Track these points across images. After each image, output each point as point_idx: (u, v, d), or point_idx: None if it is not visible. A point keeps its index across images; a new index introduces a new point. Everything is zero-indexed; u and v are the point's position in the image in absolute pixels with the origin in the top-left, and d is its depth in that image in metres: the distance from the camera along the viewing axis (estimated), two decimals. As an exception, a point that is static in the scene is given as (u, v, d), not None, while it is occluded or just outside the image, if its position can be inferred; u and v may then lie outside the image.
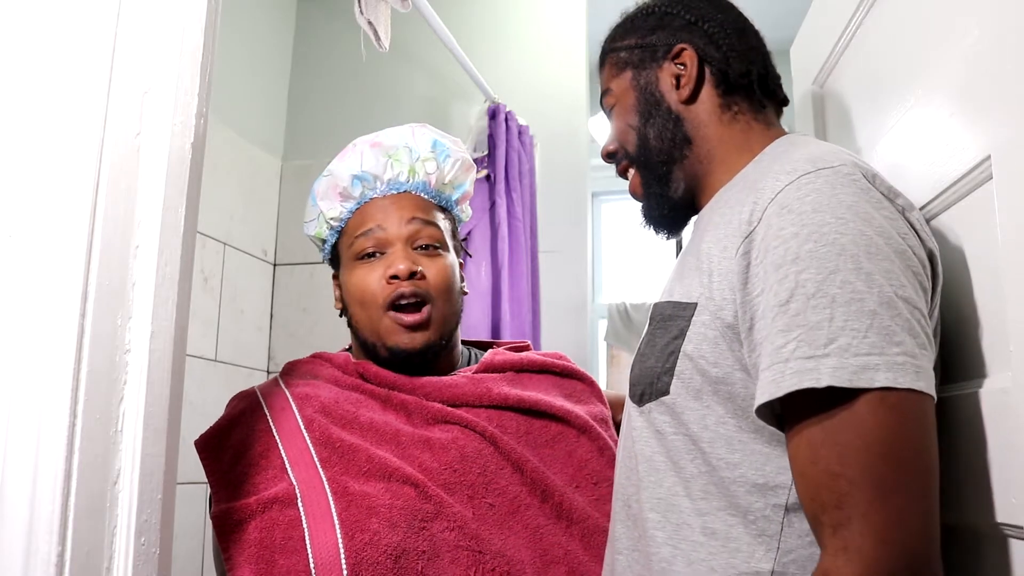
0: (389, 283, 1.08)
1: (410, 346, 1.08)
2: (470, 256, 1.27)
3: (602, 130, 2.97)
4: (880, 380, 0.68)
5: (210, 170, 0.93)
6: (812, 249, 0.72)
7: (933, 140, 0.90)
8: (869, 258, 0.72)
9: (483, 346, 1.28)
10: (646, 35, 1.00)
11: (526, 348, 1.25)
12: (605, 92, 1.04)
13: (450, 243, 1.16)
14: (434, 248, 1.12)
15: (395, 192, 1.14)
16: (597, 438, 1.12)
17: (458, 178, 1.20)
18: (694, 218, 1.01)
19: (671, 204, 0.99)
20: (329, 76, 2.69)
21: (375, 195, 1.14)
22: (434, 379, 1.11)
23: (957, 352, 0.85)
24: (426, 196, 1.16)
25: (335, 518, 0.94)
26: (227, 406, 1.14)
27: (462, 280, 1.19)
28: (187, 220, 0.82)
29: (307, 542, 0.92)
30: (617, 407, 1.22)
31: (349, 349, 1.21)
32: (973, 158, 0.80)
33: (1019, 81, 0.71)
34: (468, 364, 1.20)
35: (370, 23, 1.76)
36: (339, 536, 0.92)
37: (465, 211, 1.26)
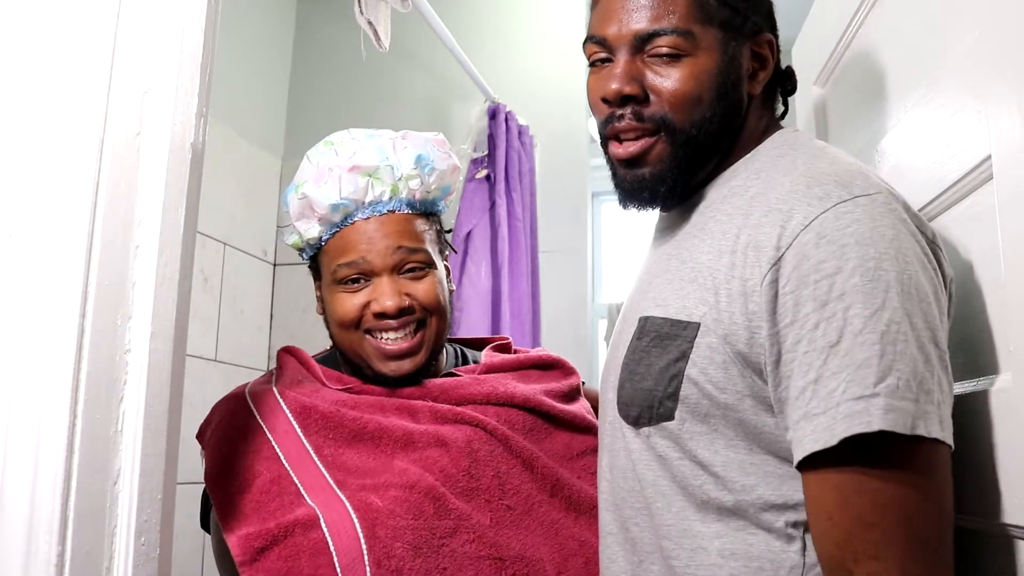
0: (376, 319, 1.05)
1: (398, 372, 1.07)
2: (455, 252, 1.24)
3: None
4: (919, 429, 0.67)
5: (210, 170, 0.93)
6: (858, 284, 0.70)
7: (934, 140, 0.90)
8: (910, 298, 0.71)
9: (467, 343, 1.28)
10: (739, 2, 0.86)
11: (508, 345, 1.25)
12: (674, 31, 0.83)
13: (436, 255, 1.11)
14: (421, 269, 1.08)
15: (378, 214, 1.08)
16: (592, 433, 1.12)
17: (444, 182, 1.14)
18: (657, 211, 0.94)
19: (683, 189, 0.89)
20: (329, 76, 2.69)
21: (356, 218, 1.08)
22: (438, 381, 1.10)
23: (959, 352, 0.85)
24: (410, 211, 1.10)
25: (363, 545, 0.92)
26: (219, 413, 1.09)
27: (448, 279, 1.16)
28: (187, 220, 0.82)
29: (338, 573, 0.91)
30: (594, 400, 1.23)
31: (330, 351, 1.19)
32: (974, 158, 0.80)
33: (1020, 81, 0.71)
34: (456, 363, 1.20)
35: (370, 23, 1.76)
36: (367, 567, 0.91)
37: (452, 202, 1.19)
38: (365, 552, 0.92)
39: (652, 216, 0.97)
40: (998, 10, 0.75)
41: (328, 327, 1.13)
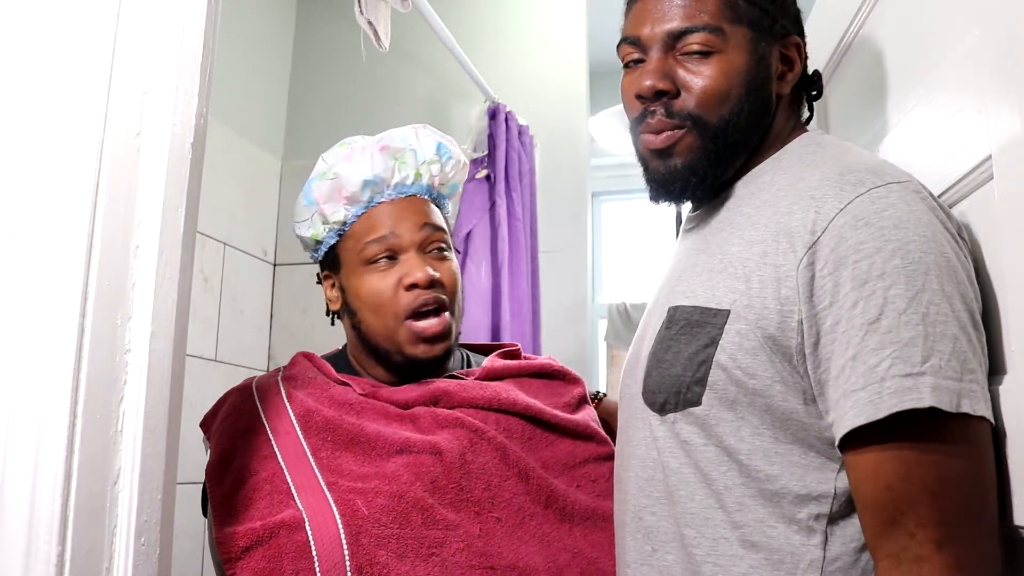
0: (408, 291, 1.08)
1: (429, 355, 1.09)
2: (459, 252, 1.28)
3: (603, 128, 2.96)
4: (965, 407, 0.69)
5: (210, 170, 0.93)
6: (899, 265, 0.72)
7: (934, 140, 0.90)
8: (949, 280, 0.72)
9: (474, 349, 1.28)
10: (768, 4, 0.89)
11: (517, 352, 1.26)
12: (705, 28, 0.86)
13: (452, 243, 1.17)
14: (442, 251, 1.13)
15: (402, 196, 1.13)
16: (597, 441, 1.13)
17: (456, 178, 1.21)
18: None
19: (712, 183, 0.91)
20: (329, 76, 2.69)
21: (382, 199, 1.13)
22: (441, 384, 1.10)
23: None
24: (428, 198, 1.16)
25: (345, 552, 0.92)
26: (226, 405, 1.11)
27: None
28: (187, 220, 0.82)
29: None
30: (613, 414, 1.23)
31: (342, 351, 1.20)
32: (974, 158, 0.80)
33: (1020, 81, 0.71)
34: (463, 366, 1.20)
35: (370, 23, 1.76)
36: (348, 573, 0.91)
37: (453, 205, 1.27)
38: (347, 558, 0.92)
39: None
40: (998, 10, 0.75)
41: (351, 319, 1.13)
